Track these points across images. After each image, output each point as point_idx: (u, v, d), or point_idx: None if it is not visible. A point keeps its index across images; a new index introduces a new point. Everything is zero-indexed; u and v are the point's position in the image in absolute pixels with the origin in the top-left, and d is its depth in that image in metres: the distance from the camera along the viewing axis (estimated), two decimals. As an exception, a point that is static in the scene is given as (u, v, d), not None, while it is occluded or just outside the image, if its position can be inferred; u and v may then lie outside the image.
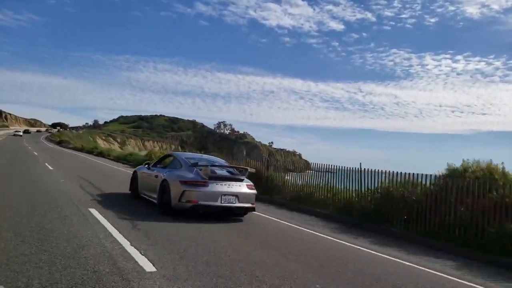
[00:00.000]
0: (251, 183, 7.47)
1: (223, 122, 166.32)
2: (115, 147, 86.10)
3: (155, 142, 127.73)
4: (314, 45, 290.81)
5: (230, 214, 7.21)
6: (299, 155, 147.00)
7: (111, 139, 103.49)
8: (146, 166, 8.74)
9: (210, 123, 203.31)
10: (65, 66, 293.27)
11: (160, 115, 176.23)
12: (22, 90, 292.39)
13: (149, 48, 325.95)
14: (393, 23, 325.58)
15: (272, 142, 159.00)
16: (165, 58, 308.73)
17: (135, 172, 9.25)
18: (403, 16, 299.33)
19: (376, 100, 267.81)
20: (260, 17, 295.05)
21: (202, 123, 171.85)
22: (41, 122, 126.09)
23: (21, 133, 68.93)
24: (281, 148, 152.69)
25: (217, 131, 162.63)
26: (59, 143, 55.44)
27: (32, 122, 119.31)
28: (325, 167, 10.33)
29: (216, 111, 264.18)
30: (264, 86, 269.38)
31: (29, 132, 79.76)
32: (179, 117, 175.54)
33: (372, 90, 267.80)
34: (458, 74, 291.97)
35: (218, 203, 6.71)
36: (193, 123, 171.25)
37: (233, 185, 6.99)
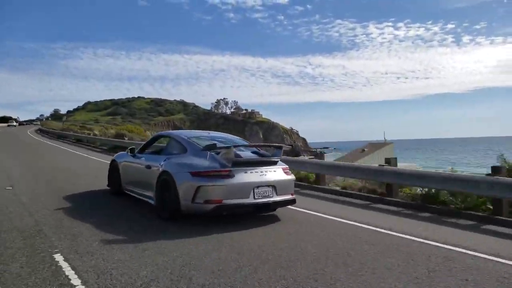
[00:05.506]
0: (286, 166, 6.58)
1: (222, 99, 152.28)
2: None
3: (144, 131, 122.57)
4: (259, 20, 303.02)
5: (264, 212, 6.26)
6: (297, 133, 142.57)
7: (86, 131, 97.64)
8: (130, 153, 7.64)
9: (202, 103, 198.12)
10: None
11: (139, 97, 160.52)
12: None
13: (86, 32, 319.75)
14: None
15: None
16: (105, 43, 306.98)
17: (113, 162, 8.21)
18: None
19: (326, 72, 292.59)
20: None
21: (193, 103, 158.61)
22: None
23: (15, 124, 63.00)
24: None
25: (215, 111, 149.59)
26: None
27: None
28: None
29: (165, 95, 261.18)
30: (214, 65, 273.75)
31: None
32: (164, 98, 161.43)
33: (321, 63, 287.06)
34: (400, 41, 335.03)
35: (250, 200, 5.69)
36: (183, 104, 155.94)
37: (267, 172, 6.06)
